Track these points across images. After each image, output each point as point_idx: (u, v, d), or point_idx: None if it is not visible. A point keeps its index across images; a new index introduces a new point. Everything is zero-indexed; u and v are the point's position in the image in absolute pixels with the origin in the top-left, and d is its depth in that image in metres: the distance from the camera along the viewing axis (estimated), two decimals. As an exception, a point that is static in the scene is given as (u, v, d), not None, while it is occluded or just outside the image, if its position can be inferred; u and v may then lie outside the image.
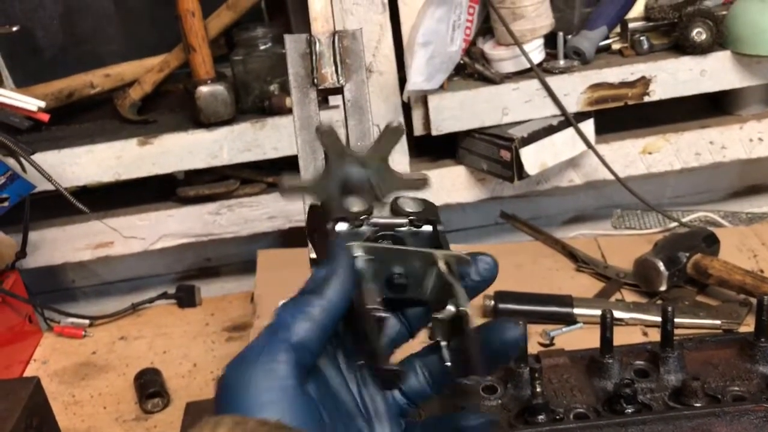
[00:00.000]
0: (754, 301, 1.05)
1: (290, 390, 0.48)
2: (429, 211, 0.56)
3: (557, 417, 0.80)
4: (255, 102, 1.32)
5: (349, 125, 0.87)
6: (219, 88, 1.25)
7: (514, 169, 1.24)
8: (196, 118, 1.28)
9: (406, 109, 1.31)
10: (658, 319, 0.92)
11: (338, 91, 0.88)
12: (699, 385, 0.81)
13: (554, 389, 0.86)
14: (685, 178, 1.51)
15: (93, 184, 1.32)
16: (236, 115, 1.29)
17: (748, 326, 1.05)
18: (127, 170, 1.29)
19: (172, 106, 1.40)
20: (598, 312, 0.89)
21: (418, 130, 1.32)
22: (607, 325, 0.86)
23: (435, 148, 1.39)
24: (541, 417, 0.80)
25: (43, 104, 1.09)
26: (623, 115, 1.36)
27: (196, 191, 1.33)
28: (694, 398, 0.81)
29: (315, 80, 0.87)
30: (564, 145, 1.30)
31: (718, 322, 1.10)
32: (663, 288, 1.15)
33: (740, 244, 1.28)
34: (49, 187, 1.19)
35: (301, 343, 0.49)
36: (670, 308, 0.87)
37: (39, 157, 1.18)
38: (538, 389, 0.80)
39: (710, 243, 1.21)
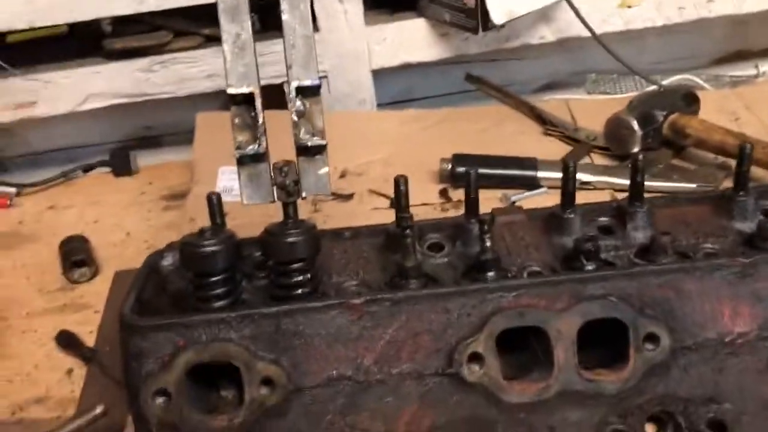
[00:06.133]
0: (733, 163, 0.95)
1: None
2: None
3: (509, 275, 0.71)
4: (188, -61, 1.17)
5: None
6: None
7: (478, 18, 1.12)
8: (120, -43, 1.13)
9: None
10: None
11: None
12: (668, 241, 0.72)
13: (507, 246, 0.77)
14: (665, 42, 1.39)
15: (7, 34, 1.18)
16: (166, -47, 1.14)
17: (725, 190, 0.96)
18: (42, 17, 1.15)
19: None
20: (563, 173, 0.79)
21: (374, -26, 1.19)
22: (569, 175, 0.76)
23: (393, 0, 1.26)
24: (490, 274, 0.70)
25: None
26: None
27: (123, 44, 1.20)
28: (662, 255, 0.72)
29: None
30: (535, -8, 1.17)
31: (693, 185, 1.02)
32: (636, 149, 1.07)
33: (721, 107, 1.19)
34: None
35: None
36: (640, 158, 0.77)
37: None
38: (488, 244, 0.70)
39: (689, 102, 1.11)
